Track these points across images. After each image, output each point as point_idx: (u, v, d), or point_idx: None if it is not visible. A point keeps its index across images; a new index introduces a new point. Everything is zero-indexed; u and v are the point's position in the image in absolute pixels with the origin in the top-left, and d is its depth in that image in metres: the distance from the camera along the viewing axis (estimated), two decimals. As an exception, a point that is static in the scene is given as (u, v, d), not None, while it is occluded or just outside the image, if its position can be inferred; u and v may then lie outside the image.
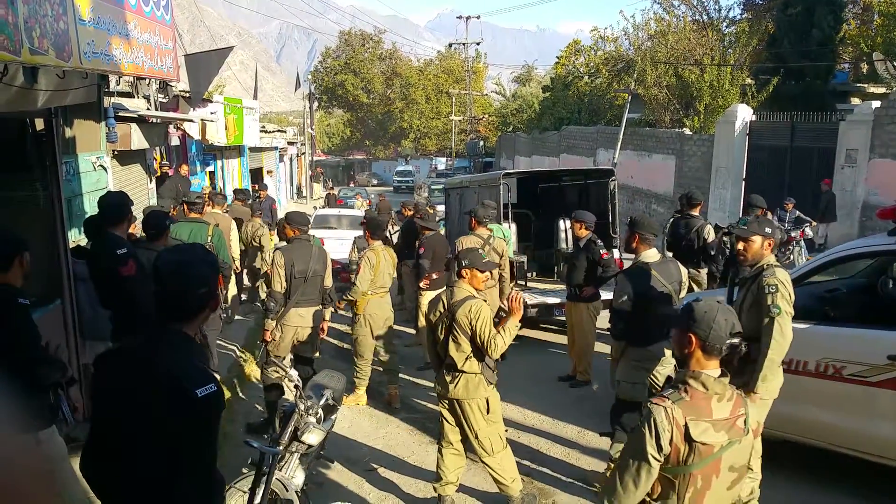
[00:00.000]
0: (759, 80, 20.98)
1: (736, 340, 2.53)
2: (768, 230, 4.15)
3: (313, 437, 4.00)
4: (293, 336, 5.94)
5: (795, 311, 4.03)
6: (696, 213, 7.82)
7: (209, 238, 7.09)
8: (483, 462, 4.56)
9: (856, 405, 4.48)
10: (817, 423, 4.70)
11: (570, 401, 6.78)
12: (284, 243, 6.24)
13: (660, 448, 2.41)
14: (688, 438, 2.40)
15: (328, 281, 6.15)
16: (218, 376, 6.35)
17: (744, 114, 16.83)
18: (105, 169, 7.14)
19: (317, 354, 6.74)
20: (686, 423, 2.41)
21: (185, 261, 2.24)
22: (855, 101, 20.83)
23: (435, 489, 4.67)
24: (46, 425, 3.46)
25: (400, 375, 7.23)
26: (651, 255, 4.87)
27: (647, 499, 2.55)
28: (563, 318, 9.36)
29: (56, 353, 3.69)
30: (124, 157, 8.58)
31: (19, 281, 3.40)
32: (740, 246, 4.19)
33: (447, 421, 4.62)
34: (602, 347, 7.43)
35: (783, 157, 15.73)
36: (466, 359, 4.38)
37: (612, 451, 4.81)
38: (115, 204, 4.85)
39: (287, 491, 3.86)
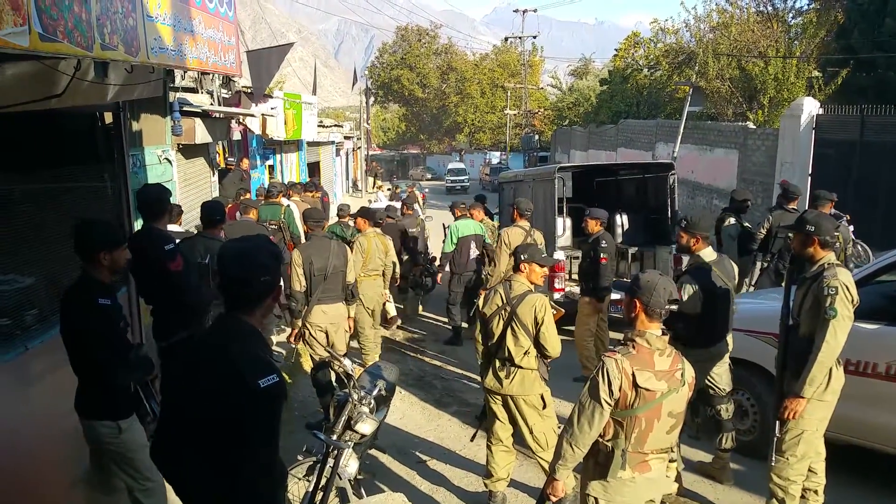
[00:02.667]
0: (826, 73, 20.22)
1: (674, 307, 3.01)
2: (810, 228, 3.98)
3: (366, 427, 4.04)
4: (323, 334, 5.92)
5: (864, 312, 3.88)
6: (793, 206, 7.78)
7: (282, 216, 8.73)
8: (538, 457, 4.53)
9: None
10: (886, 427, 4.51)
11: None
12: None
13: (611, 393, 2.88)
14: (635, 385, 2.87)
15: (350, 276, 6.11)
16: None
17: (810, 107, 16.25)
18: (170, 162, 7.35)
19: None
20: (633, 373, 2.87)
21: (247, 249, 2.27)
22: (931, 93, 19.89)
23: (486, 485, 4.66)
24: (127, 415, 3.56)
25: (452, 370, 7.26)
26: (709, 253, 4.75)
27: (601, 439, 3.01)
28: (619, 315, 9.26)
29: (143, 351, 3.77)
30: (188, 151, 8.82)
31: (107, 277, 3.45)
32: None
33: (498, 418, 4.58)
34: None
35: (852, 152, 15.11)
36: (524, 354, 4.35)
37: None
38: (157, 198, 4.65)
39: (341, 479, 3.91)
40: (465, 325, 9.02)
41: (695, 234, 4.71)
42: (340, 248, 6.05)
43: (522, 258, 4.47)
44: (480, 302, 4.62)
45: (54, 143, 4.96)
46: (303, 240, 8.60)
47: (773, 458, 4.05)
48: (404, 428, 6.17)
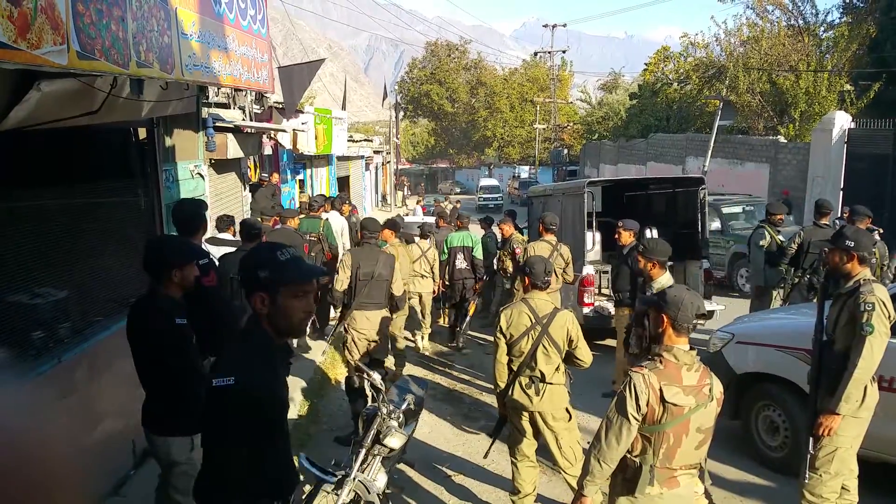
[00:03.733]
0: (858, 86, 19.92)
1: (701, 321, 2.98)
2: (849, 243, 3.94)
3: (395, 441, 4.05)
4: (366, 341, 5.98)
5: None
6: (825, 221, 7.74)
7: (321, 229, 9.29)
8: (565, 474, 4.48)
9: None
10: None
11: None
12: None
13: (638, 408, 2.86)
14: (662, 400, 2.84)
15: (396, 287, 6.11)
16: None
17: (842, 121, 16.02)
18: (202, 177, 7.46)
19: (389, 358, 6.87)
20: (661, 388, 2.84)
21: (244, 252, 2.38)
22: (968, 106, 19.48)
23: (513, 502, 4.60)
24: (198, 431, 3.56)
25: (480, 383, 7.30)
26: (665, 279, 4.73)
27: (628, 455, 2.99)
28: (648, 330, 9.14)
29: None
30: (220, 166, 8.94)
31: (177, 293, 3.45)
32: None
33: (525, 435, 4.54)
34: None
35: (885, 166, 14.86)
36: (556, 370, 4.35)
37: None
38: (192, 214, 4.56)
39: (369, 493, 3.92)
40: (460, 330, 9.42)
41: (651, 259, 4.72)
42: (389, 258, 6.14)
43: (550, 271, 4.48)
44: (503, 323, 4.48)
45: (89, 159, 5.07)
46: (339, 251, 9.20)
47: (806, 475, 3.98)
48: (432, 442, 6.16)
